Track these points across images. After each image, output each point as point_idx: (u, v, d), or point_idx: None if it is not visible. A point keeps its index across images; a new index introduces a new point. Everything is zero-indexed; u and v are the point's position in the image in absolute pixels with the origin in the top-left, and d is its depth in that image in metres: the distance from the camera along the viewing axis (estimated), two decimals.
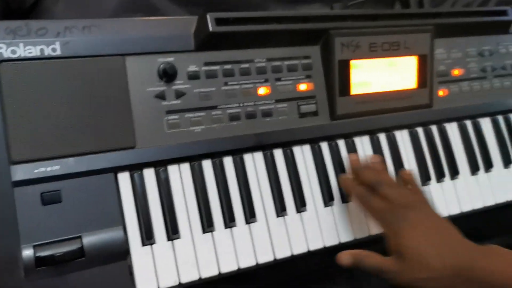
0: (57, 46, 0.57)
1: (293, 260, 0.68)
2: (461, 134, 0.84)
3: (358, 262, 0.62)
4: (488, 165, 0.84)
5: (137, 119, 0.61)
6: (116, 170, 0.60)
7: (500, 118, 0.88)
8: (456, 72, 0.83)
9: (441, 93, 0.82)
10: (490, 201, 0.82)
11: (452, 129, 0.83)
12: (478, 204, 0.81)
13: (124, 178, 0.60)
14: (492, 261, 0.55)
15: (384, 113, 0.76)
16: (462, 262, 0.55)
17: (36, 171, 0.55)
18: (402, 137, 0.79)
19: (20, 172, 0.55)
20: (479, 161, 0.84)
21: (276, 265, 0.67)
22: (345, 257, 0.63)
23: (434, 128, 0.82)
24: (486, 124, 0.87)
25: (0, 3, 0.71)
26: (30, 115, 0.55)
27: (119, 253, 0.58)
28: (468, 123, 0.85)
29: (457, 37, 0.83)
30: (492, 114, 0.87)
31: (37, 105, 0.56)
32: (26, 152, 0.55)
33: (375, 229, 0.72)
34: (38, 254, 0.53)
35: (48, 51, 0.57)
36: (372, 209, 0.64)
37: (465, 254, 0.56)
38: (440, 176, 0.79)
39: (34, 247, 0.54)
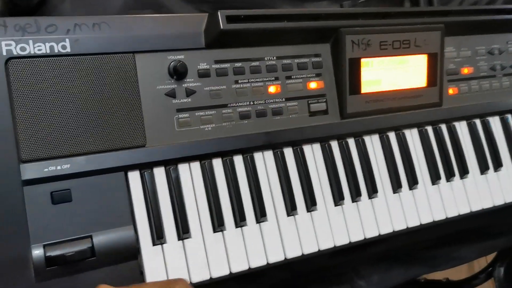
0: (67, 43, 0.56)
1: (301, 260, 0.68)
2: (470, 133, 0.83)
3: None
4: (498, 164, 0.83)
5: (147, 117, 0.60)
6: (126, 169, 0.59)
7: (510, 117, 0.87)
8: (465, 70, 0.83)
9: (450, 91, 0.81)
10: (499, 201, 0.82)
11: (461, 128, 0.83)
12: (487, 204, 0.81)
13: (134, 177, 0.60)
14: None
15: (394, 111, 0.76)
16: None
17: (46, 170, 0.55)
18: (412, 136, 0.78)
19: (29, 171, 0.54)
20: (489, 160, 0.83)
21: (285, 264, 0.67)
22: None
23: (443, 127, 0.81)
24: (495, 123, 0.86)
25: (7, 0, 0.70)
26: (40, 113, 0.55)
27: (130, 253, 0.57)
28: (477, 122, 0.84)
29: (466, 35, 0.83)
30: (501, 113, 0.87)
31: (47, 103, 0.55)
32: (35, 150, 0.54)
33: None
34: (48, 254, 0.53)
35: (58, 48, 0.56)
36: None
37: None
38: (449, 175, 0.79)
39: (44, 246, 0.53)
